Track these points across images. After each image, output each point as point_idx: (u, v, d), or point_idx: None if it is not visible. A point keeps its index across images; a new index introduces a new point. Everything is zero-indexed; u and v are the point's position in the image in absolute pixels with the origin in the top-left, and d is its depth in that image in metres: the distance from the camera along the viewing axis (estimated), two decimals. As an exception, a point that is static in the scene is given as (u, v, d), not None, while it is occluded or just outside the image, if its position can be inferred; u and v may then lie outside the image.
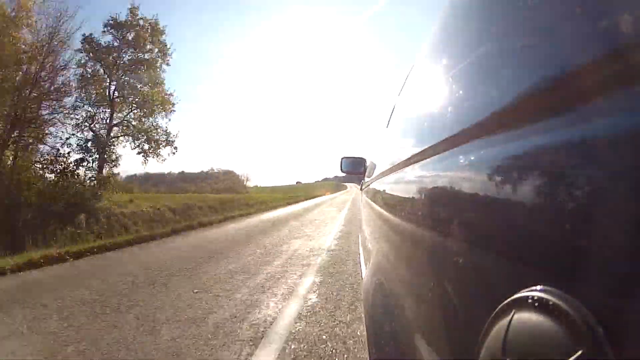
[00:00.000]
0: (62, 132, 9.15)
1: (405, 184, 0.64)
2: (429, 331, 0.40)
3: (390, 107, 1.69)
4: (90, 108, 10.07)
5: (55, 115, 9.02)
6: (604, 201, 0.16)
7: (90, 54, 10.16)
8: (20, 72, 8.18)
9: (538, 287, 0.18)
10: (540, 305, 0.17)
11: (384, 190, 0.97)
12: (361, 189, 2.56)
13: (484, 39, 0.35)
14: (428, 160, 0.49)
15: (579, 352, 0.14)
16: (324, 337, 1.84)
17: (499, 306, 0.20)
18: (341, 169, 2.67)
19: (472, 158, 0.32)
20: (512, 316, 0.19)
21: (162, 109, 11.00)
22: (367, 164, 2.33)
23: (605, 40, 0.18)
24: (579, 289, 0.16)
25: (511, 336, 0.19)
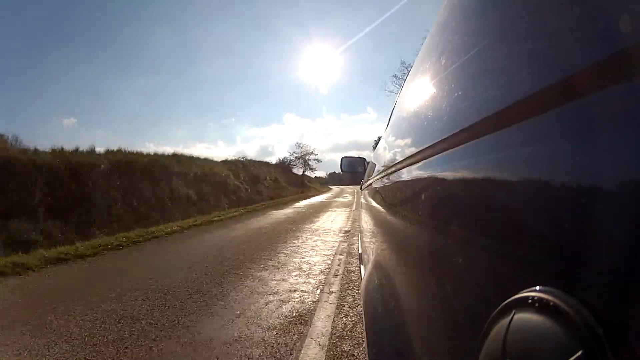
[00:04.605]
0: None
1: (404, 183, 0.64)
2: (428, 331, 0.40)
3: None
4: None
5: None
6: (603, 201, 0.16)
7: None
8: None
9: (538, 287, 0.18)
10: (540, 305, 0.17)
11: (384, 190, 0.97)
12: (361, 189, 2.56)
13: (482, 39, 0.35)
14: (427, 160, 0.48)
15: (579, 352, 0.14)
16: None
17: (499, 306, 0.20)
18: (341, 169, 2.68)
19: (471, 158, 0.32)
20: (512, 316, 0.19)
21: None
22: (367, 164, 2.33)
23: (605, 40, 0.18)
24: (578, 289, 0.16)
25: (511, 336, 0.19)
